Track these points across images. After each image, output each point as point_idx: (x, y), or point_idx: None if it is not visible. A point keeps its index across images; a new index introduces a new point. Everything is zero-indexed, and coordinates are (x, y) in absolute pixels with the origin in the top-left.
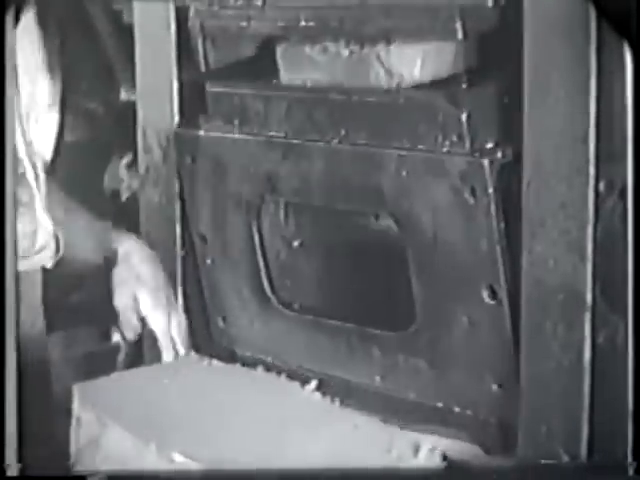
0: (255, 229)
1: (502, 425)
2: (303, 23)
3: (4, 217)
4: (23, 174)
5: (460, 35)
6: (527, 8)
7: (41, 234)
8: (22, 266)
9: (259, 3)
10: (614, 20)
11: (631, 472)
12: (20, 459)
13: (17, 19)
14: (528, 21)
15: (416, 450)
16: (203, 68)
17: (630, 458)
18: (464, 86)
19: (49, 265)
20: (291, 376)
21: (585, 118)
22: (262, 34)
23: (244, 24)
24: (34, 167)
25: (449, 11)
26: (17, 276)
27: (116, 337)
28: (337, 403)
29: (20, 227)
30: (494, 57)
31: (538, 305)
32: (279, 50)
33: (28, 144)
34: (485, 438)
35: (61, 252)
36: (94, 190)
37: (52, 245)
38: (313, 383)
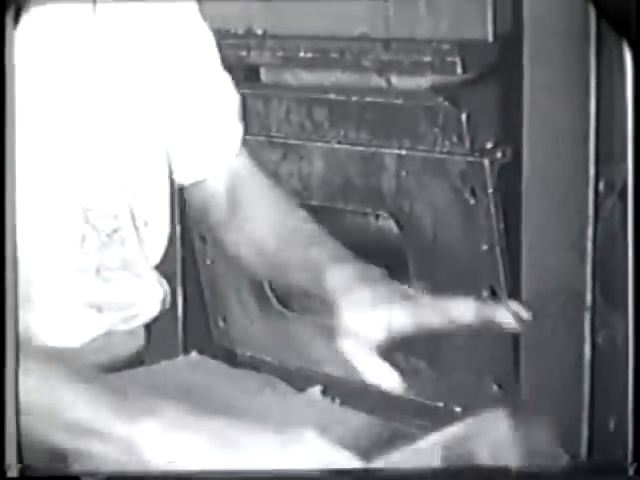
0: None
1: None
2: (302, 54)
3: (4, 217)
4: (116, 231)
5: (459, 70)
6: (527, 8)
7: (146, 300)
8: (121, 327)
9: (260, 32)
10: (614, 20)
11: (631, 472)
12: (20, 460)
13: (17, 19)
14: (528, 21)
15: (416, 450)
16: None
17: (630, 458)
18: (464, 86)
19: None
20: (291, 376)
21: (585, 118)
22: (261, 64)
23: (244, 53)
24: (133, 219)
25: (449, 46)
26: (16, 276)
27: None
28: (337, 403)
29: (116, 296)
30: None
31: (538, 305)
32: None
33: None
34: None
35: (167, 306)
36: None
37: (158, 305)
38: (317, 388)
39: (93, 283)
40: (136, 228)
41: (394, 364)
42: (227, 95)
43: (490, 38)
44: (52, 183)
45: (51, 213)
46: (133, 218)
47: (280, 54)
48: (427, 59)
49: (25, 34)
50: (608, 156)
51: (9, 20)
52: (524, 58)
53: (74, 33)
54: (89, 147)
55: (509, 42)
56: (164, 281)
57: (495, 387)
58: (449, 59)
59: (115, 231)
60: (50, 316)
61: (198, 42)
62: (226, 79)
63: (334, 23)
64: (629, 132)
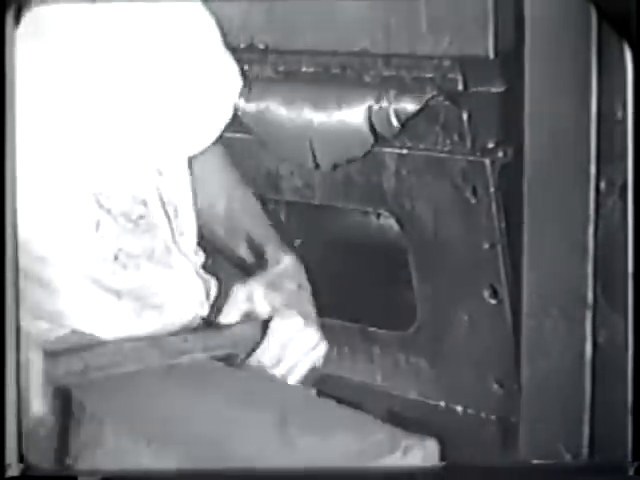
0: None
1: (503, 424)
2: (304, 69)
3: (4, 216)
4: (142, 217)
5: (461, 86)
6: (528, 7)
7: (176, 292)
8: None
9: (261, 47)
10: (614, 21)
11: (631, 472)
12: (21, 459)
13: (18, 19)
14: (529, 21)
15: (415, 450)
16: None
17: (630, 458)
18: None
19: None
20: None
21: (586, 117)
22: (263, 79)
23: (246, 68)
24: (164, 206)
25: (450, 62)
26: (17, 275)
27: None
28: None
29: (136, 284)
30: None
31: (539, 304)
32: None
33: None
34: (486, 437)
35: (212, 298)
36: None
37: (202, 296)
38: (313, 390)
39: (111, 268)
40: (167, 216)
41: None
42: (224, 77)
43: (491, 55)
44: (67, 169)
45: (66, 198)
46: (163, 204)
47: (281, 69)
48: (428, 75)
49: (46, 31)
50: (609, 155)
51: (9, 20)
52: (525, 69)
53: (80, 22)
54: (101, 133)
55: (510, 58)
56: (208, 276)
57: (496, 386)
58: (450, 75)
59: (142, 217)
60: (73, 299)
61: (199, 26)
62: (228, 62)
63: (335, 38)
64: (629, 131)
